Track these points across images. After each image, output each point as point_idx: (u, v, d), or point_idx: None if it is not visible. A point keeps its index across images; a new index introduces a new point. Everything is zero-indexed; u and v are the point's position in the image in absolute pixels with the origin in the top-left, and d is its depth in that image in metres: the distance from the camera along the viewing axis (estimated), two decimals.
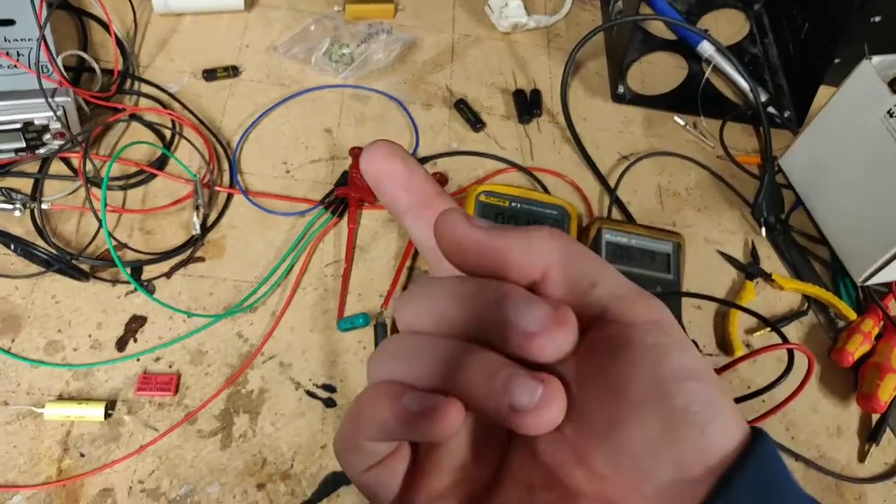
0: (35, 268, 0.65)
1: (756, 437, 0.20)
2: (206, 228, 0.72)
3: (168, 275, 0.68)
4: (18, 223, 0.68)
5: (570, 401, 0.20)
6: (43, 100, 0.66)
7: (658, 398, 0.19)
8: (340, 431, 0.22)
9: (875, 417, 0.72)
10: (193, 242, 0.70)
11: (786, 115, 0.93)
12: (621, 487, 0.20)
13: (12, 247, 0.65)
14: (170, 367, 0.64)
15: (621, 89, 0.91)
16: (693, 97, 0.92)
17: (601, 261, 0.22)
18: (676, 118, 0.91)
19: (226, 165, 0.77)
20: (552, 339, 0.20)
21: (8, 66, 0.68)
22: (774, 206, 0.82)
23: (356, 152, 0.78)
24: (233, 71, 0.83)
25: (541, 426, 0.19)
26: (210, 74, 0.82)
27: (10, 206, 0.68)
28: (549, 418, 0.19)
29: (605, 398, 0.20)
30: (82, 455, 0.58)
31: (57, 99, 0.67)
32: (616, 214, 0.81)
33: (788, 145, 0.86)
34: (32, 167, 0.71)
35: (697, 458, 0.19)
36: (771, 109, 0.93)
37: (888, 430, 0.71)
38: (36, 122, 0.67)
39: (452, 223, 0.21)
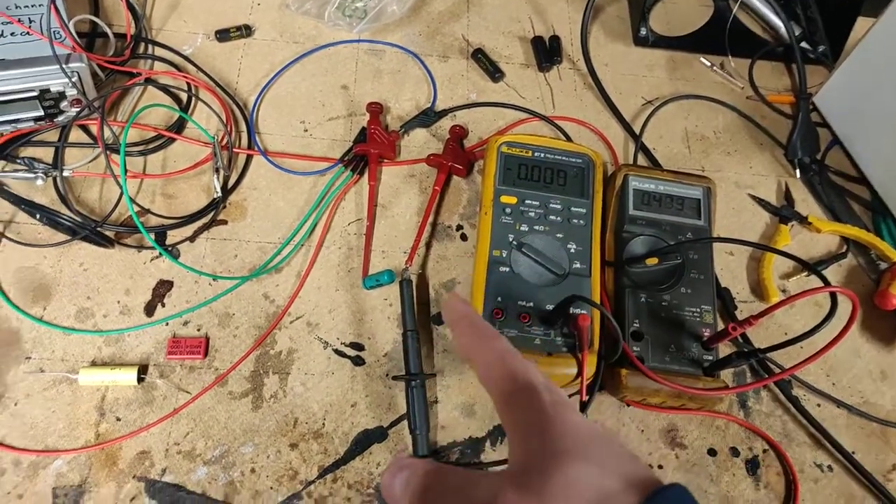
0: (61, 236, 0.65)
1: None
2: (226, 191, 0.71)
3: (192, 238, 0.68)
4: (42, 192, 0.68)
5: None
6: (57, 66, 0.65)
7: None
8: None
9: None
10: (215, 205, 0.70)
11: (820, 49, 0.89)
12: None
13: (38, 216, 0.65)
14: (198, 330, 0.64)
15: (644, 32, 0.88)
16: (720, 36, 0.88)
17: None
18: (702, 59, 0.88)
19: (243, 126, 0.76)
20: None
21: (21, 34, 0.67)
22: (809, 146, 0.79)
23: (374, 108, 0.76)
24: (246, 30, 0.81)
25: None
26: (223, 35, 0.81)
27: (32, 176, 0.68)
28: None
29: None
30: (118, 419, 0.59)
31: (71, 65, 0.66)
32: (642, 161, 0.79)
33: (823, 82, 0.82)
34: (52, 136, 0.71)
35: None
36: (804, 45, 0.89)
37: None
38: (52, 90, 0.66)
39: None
